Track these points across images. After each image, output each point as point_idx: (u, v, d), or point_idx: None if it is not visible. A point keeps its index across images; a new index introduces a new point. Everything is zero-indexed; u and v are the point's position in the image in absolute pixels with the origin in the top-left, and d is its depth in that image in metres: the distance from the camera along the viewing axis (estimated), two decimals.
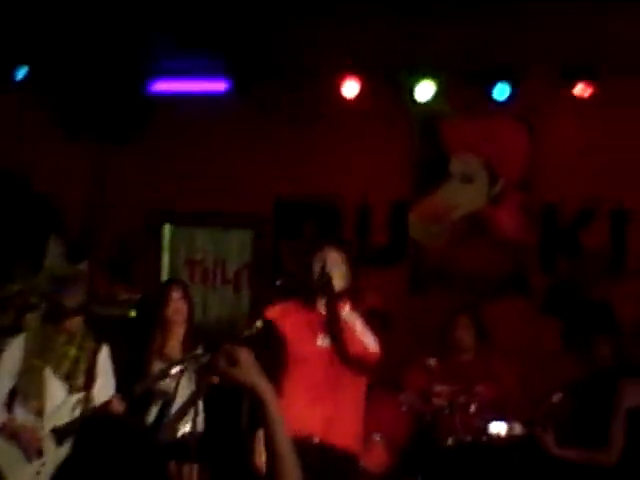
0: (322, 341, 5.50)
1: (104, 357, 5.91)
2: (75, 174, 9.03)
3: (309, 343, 5.50)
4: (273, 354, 5.41)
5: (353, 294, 5.67)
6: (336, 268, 5.51)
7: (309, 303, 5.59)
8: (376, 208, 8.79)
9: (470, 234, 8.58)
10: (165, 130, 8.98)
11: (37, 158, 8.45)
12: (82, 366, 5.79)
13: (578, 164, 8.17)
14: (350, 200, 8.79)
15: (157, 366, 6.18)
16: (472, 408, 6.83)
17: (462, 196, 8.65)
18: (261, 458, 5.12)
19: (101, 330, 6.19)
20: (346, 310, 5.41)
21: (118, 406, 5.69)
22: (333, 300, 5.39)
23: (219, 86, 8.77)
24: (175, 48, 8.23)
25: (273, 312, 5.60)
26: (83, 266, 8.70)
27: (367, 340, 5.39)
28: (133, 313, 8.14)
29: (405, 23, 7.45)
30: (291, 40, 8.07)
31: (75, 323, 5.86)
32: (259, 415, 3.26)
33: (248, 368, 3.25)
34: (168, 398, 6.06)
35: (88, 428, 5.59)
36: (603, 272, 8.17)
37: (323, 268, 5.43)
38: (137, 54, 8.40)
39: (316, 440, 5.30)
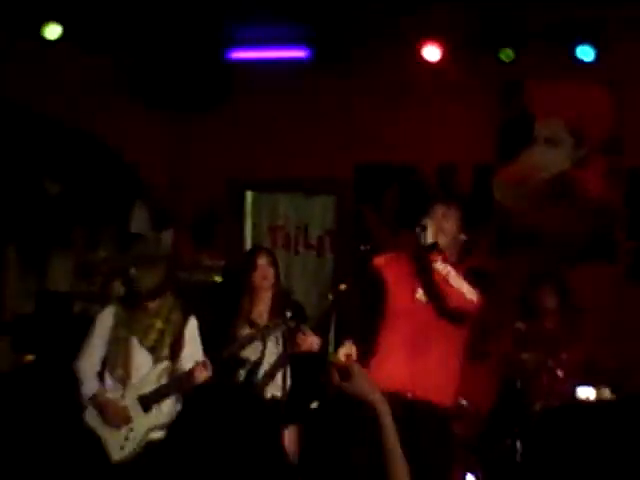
0: (421, 295, 5.46)
1: (191, 329, 5.94)
2: (158, 142, 9.11)
3: (408, 296, 5.46)
4: (375, 304, 5.43)
5: (459, 251, 5.66)
6: (446, 223, 5.55)
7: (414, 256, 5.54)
8: (460, 172, 8.73)
9: (555, 197, 8.48)
10: (246, 98, 8.96)
11: (121, 126, 8.51)
12: (168, 339, 5.84)
13: None
14: (433, 164, 8.75)
15: (244, 331, 6.21)
16: (559, 373, 6.79)
17: (547, 159, 8.55)
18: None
19: (186, 297, 6.22)
20: (438, 261, 5.31)
21: (202, 372, 5.71)
22: (425, 252, 5.35)
23: (300, 53, 8.76)
24: (256, 16, 8.23)
25: (379, 261, 5.62)
26: (168, 233, 8.81)
27: (464, 289, 5.31)
28: (218, 278, 8.20)
29: None
30: (372, 6, 8.03)
31: (158, 303, 5.89)
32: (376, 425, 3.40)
33: (361, 382, 3.42)
34: (256, 362, 6.10)
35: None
36: None
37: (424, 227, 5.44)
38: (218, 22, 8.39)
39: (409, 395, 5.27)
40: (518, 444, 6.59)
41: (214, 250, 8.81)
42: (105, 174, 8.51)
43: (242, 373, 6.15)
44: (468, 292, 5.32)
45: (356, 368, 3.53)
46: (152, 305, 5.87)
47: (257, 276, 6.39)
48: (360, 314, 5.54)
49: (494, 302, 7.58)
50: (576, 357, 6.87)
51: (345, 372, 3.55)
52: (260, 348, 6.10)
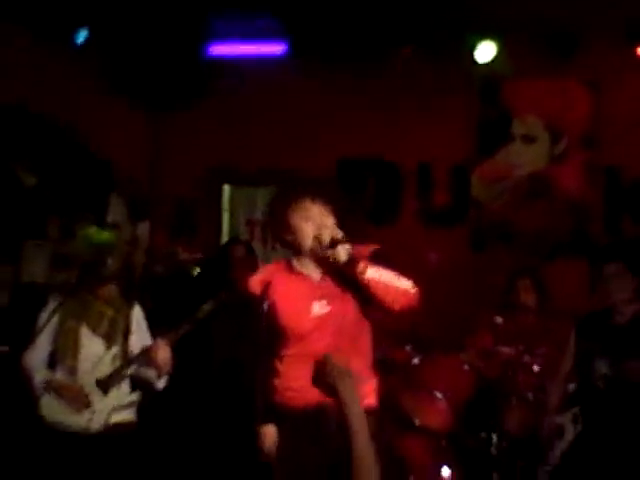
0: (319, 309, 4.79)
1: (137, 316, 5.88)
2: (137, 135, 9.10)
3: (304, 316, 4.79)
4: (264, 327, 4.77)
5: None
6: (327, 223, 4.72)
7: (294, 268, 4.87)
8: (438, 168, 8.78)
9: (532, 194, 8.54)
10: (225, 92, 8.99)
11: (100, 119, 8.48)
12: (120, 325, 5.80)
13: None
14: (412, 160, 8.78)
15: None
16: (535, 368, 6.80)
17: (524, 156, 8.61)
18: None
19: (160, 288, 6.19)
20: (362, 268, 4.59)
21: (162, 351, 5.65)
22: (351, 265, 4.61)
23: (278, 48, 8.76)
24: (234, 10, 8.22)
25: (255, 283, 4.90)
26: (144, 225, 8.77)
27: (403, 284, 4.67)
28: (195, 272, 8.17)
29: None
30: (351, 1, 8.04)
31: (111, 290, 5.84)
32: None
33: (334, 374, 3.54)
34: None
35: None
36: None
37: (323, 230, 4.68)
38: (197, 17, 8.38)
39: (331, 408, 4.42)
40: (493, 437, 6.63)
41: (191, 243, 8.78)
42: (81, 166, 8.47)
43: None
44: (407, 285, 4.69)
45: (333, 360, 3.54)
46: (102, 292, 5.79)
47: (234, 269, 6.36)
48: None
49: (474, 296, 7.75)
50: (552, 353, 6.87)
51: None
52: None
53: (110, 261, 5.77)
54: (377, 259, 4.70)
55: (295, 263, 4.85)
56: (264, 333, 4.79)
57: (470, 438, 6.76)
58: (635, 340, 5.69)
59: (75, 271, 7.75)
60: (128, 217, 8.72)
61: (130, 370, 5.73)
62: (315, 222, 4.71)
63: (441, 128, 8.55)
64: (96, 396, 5.68)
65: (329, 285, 4.79)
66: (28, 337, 6.22)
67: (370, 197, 8.89)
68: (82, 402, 5.65)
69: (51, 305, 5.84)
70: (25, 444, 6.04)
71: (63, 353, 5.73)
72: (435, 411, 6.68)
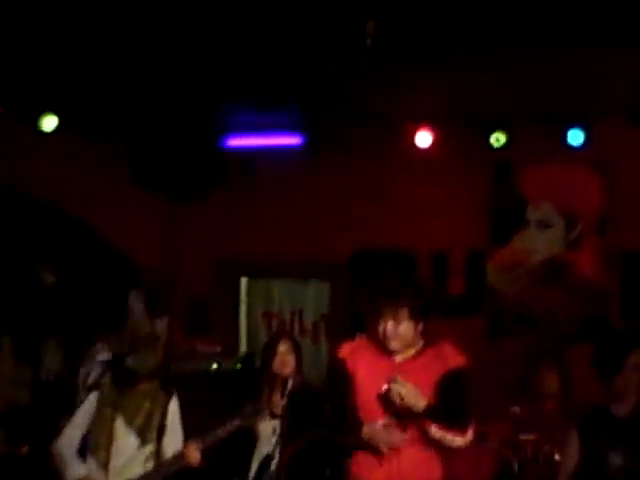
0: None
1: (173, 412, 5.79)
2: (151, 228, 9.18)
3: (378, 389, 4.92)
4: (344, 395, 4.94)
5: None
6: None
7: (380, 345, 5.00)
8: (453, 256, 8.80)
9: (548, 280, 8.53)
10: (241, 183, 9.08)
11: (114, 213, 8.57)
12: (155, 421, 5.73)
13: None
14: (426, 249, 8.80)
15: (264, 422, 6.10)
16: (557, 457, 6.72)
17: (539, 242, 8.62)
18: None
19: (183, 385, 6.15)
20: (433, 431, 4.77)
21: (193, 455, 5.60)
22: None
23: (294, 140, 8.86)
24: (250, 103, 8.32)
25: (345, 350, 5.09)
26: (163, 321, 8.79)
27: (458, 444, 4.88)
28: (214, 366, 8.16)
29: (477, 72, 7.47)
30: (364, 91, 8.12)
31: (149, 385, 5.79)
32: None
33: None
34: (269, 455, 5.98)
35: None
36: None
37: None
38: (213, 109, 8.49)
39: None
40: None
41: (207, 337, 8.79)
42: (98, 263, 8.52)
43: (254, 466, 6.06)
44: (459, 442, 4.87)
45: None
46: (143, 387, 5.75)
47: (277, 363, 6.26)
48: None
49: (492, 385, 7.69)
50: None
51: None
52: (273, 440, 5.95)
53: (149, 357, 5.75)
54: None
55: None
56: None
57: None
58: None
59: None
60: (147, 313, 8.75)
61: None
62: None
63: (455, 216, 8.58)
64: None
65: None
66: (49, 435, 6.23)
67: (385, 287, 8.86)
68: None
69: (92, 397, 5.81)
70: None
71: (96, 443, 5.64)
72: None
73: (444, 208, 8.63)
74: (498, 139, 8.36)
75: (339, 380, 5.00)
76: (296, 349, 6.37)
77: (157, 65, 7.52)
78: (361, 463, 4.93)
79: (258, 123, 8.78)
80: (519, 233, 8.69)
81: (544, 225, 8.63)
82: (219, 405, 6.40)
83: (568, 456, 5.93)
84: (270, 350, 6.33)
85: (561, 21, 6.55)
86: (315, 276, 9.17)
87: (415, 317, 4.85)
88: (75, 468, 5.63)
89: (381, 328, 4.85)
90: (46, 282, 8.18)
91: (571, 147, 8.27)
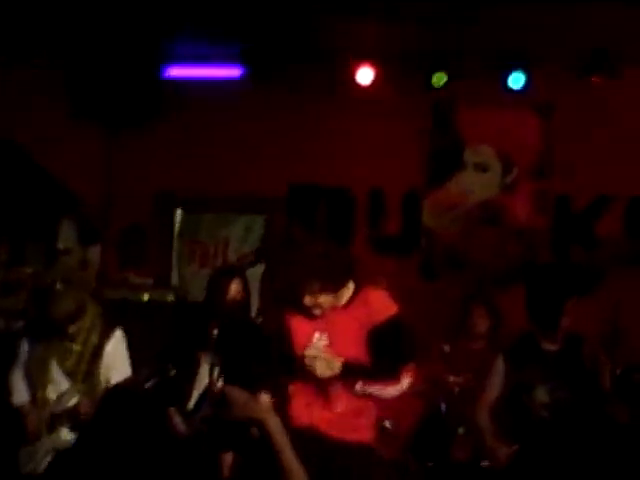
0: (319, 340, 4.89)
1: (113, 346, 5.74)
2: (88, 157, 9.04)
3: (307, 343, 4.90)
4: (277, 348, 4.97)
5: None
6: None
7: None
8: (389, 196, 8.81)
9: (483, 222, 8.60)
10: (179, 115, 8.96)
11: (51, 140, 8.45)
12: (84, 362, 5.70)
13: (593, 153, 8.15)
14: (364, 187, 8.81)
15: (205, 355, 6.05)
16: None
17: (476, 185, 8.68)
18: None
19: (113, 314, 6.09)
20: (358, 388, 4.75)
21: (87, 407, 5.57)
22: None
23: (234, 72, 8.77)
24: (191, 34, 8.22)
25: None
26: (95, 249, 8.71)
27: (392, 394, 4.83)
28: (146, 297, 8.13)
29: (421, 10, 7.44)
30: (307, 26, 8.05)
31: (74, 328, 5.66)
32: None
33: (241, 405, 3.51)
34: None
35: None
36: (617, 261, 8.15)
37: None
38: (154, 39, 8.37)
39: (328, 436, 4.83)
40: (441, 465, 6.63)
41: (142, 268, 8.75)
42: (32, 188, 8.41)
43: (195, 396, 6.05)
44: (393, 391, 4.82)
45: (234, 392, 3.54)
46: (70, 330, 5.66)
47: (228, 300, 6.13)
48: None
49: (424, 325, 7.75)
50: None
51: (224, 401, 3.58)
52: (215, 372, 5.88)
53: (68, 299, 5.65)
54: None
55: None
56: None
57: (417, 466, 6.76)
58: (569, 366, 5.74)
59: (24, 297, 7.75)
60: (79, 241, 8.66)
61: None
62: None
63: (394, 156, 8.57)
64: (45, 431, 5.61)
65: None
66: None
67: (321, 223, 8.88)
68: (35, 435, 5.60)
69: (27, 339, 5.77)
70: None
71: (34, 383, 5.68)
72: (383, 440, 6.65)
73: (383, 147, 8.61)
74: (439, 79, 8.35)
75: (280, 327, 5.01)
76: (245, 286, 6.28)
77: None
78: (297, 399, 4.92)
79: (198, 54, 8.67)
80: (456, 175, 8.73)
81: (481, 168, 8.67)
82: (152, 337, 6.37)
83: (491, 385, 5.98)
84: (220, 288, 6.26)
85: None
86: (250, 210, 9.13)
87: (328, 289, 4.76)
88: (18, 396, 5.71)
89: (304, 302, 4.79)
90: None
91: (511, 91, 8.28)
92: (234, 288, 6.16)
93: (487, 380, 6.06)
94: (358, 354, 4.76)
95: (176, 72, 8.86)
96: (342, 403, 4.83)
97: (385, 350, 4.71)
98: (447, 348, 7.11)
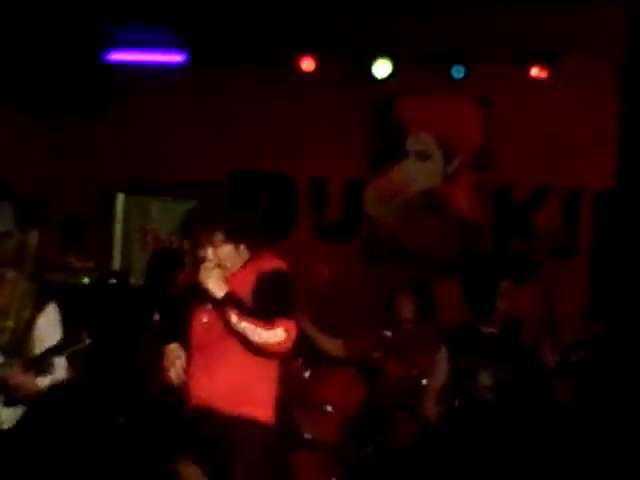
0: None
1: (45, 319, 5.68)
2: (29, 142, 8.94)
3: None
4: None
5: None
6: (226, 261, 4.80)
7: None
8: (331, 183, 8.85)
9: (424, 211, 8.67)
10: (122, 100, 8.93)
11: None
12: (18, 336, 5.65)
13: (533, 145, 8.26)
14: (306, 174, 8.84)
15: None
16: (424, 382, 6.85)
17: (417, 173, 8.73)
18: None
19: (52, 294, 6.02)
20: (233, 320, 4.67)
21: (17, 376, 5.54)
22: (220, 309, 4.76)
23: (177, 57, 8.75)
24: (134, 18, 8.18)
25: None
26: (33, 233, 8.60)
27: (266, 339, 4.67)
28: (86, 280, 8.08)
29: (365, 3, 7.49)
30: (249, 14, 8.06)
31: (7, 296, 5.68)
32: None
33: None
34: None
35: None
36: (555, 253, 8.27)
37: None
38: (96, 23, 8.32)
39: (217, 410, 4.80)
40: (381, 451, 6.67)
41: (81, 252, 8.68)
42: None
43: None
44: (269, 339, 4.67)
45: None
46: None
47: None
48: None
49: (362, 310, 7.81)
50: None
51: None
52: None
53: None
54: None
55: None
56: None
57: (358, 451, 6.79)
58: (510, 348, 5.83)
59: None
60: (16, 225, 8.55)
61: None
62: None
63: (336, 143, 8.61)
64: None
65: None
66: None
67: (263, 210, 8.89)
68: None
69: None
70: None
71: None
72: (325, 424, 6.70)
73: (325, 135, 8.65)
74: (380, 69, 8.40)
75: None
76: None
77: None
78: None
79: (142, 39, 8.64)
80: (398, 163, 8.78)
81: (423, 156, 8.73)
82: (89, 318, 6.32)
83: (436, 374, 6.08)
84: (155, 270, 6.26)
85: None
86: (192, 195, 9.07)
87: (231, 239, 4.80)
88: None
89: (201, 255, 4.78)
90: None
91: (453, 80, 8.36)
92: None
93: (432, 369, 6.15)
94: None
95: (120, 57, 8.82)
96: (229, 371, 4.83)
97: (265, 297, 4.71)
98: (389, 334, 7.14)
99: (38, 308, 5.63)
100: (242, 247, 4.84)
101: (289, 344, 4.71)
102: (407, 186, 8.75)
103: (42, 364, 5.44)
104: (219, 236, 4.77)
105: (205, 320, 4.83)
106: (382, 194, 8.79)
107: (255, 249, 4.87)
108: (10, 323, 5.59)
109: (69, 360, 5.47)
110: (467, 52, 8.28)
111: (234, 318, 4.64)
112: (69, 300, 5.96)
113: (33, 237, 8.55)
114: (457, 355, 5.96)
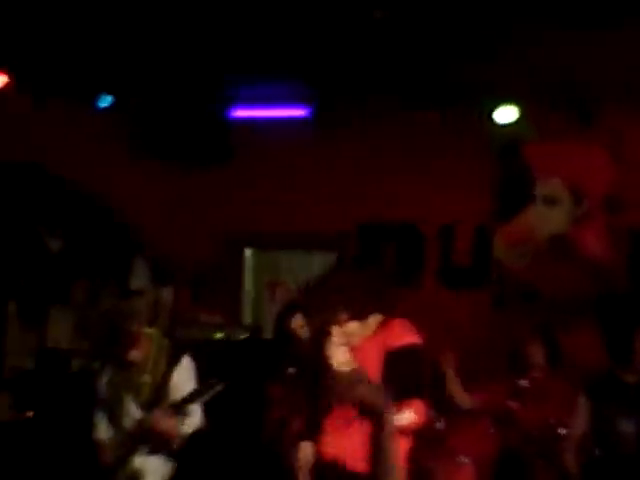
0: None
1: (181, 372, 5.77)
2: (157, 198, 9.12)
3: None
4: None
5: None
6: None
7: None
8: (459, 230, 8.79)
9: (555, 256, 8.52)
10: (247, 155, 9.05)
11: (122, 182, 8.56)
12: (157, 389, 5.75)
13: None
14: (433, 223, 8.81)
15: None
16: (560, 431, 6.73)
17: (546, 218, 8.61)
18: None
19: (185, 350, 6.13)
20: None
21: (162, 421, 5.61)
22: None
23: (300, 112, 8.84)
24: (257, 75, 8.29)
25: None
26: (168, 289, 8.79)
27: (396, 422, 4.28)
28: (218, 335, 8.18)
29: (487, 48, 7.45)
30: (373, 67, 8.10)
31: (139, 355, 5.76)
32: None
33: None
34: None
35: None
36: None
37: None
38: (219, 80, 8.46)
39: (350, 467, 4.64)
40: None
41: (212, 307, 8.80)
42: (105, 230, 8.54)
43: None
44: (404, 420, 4.47)
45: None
46: (135, 359, 5.73)
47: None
48: None
49: (495, 358, 7.71)
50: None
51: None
52: None
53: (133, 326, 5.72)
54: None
55: None
56: None
57: None
58: None
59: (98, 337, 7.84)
60: (152, 281, 8.76)
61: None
62: None
63: (463, 190, 8.58)
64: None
65: None
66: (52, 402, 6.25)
67: (391, 260, 8.88)
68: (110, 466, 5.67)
69: (104, 377, 5.85)
70: None
71: (112, 417, 5.76)
72: (460, 476, 6.64)
73: (451, 182, 8.61)
74: (504, 114, 8.34)
75: None
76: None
77: (163, 35, 7.48)
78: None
79: (265, 95, 8.75)
80: (526, 209, 8.68)
81: (551, 201, 8.61)
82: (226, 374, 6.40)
83: (576, 423, 5.98)
84: (283, 324, 6.34)
85: None
86: (321, 247, 9.18)
87: (356, 318, 4.69)
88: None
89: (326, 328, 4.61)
90: (52, 248, 8.18)
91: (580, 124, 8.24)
92: (294, 322, 6.26)
93: (572, 419, 6.05)
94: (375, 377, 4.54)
95: (243, 113, 8.96)
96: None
97: (394, 376, 4.48)
98: (524, 383, 7.04)
99: (173, 362, 5.77)
100: (370, 318, 4.73)
101: (418, 426, 4.58)
102: (536, 231, 8.63)
103: (184, 409, 5.59)
104: (343, 315, 4.66)
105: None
106: (510, 239, 8.69)
107: (385, 313, 4.74)
108: (147, 378, 5.73)
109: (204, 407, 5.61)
110: (594, 96, 8.14)
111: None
112: (202, 355, 6.11)
113: (168, 294, 8.81)
114: (598, 404, 5.86)
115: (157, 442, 5.64)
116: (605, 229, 8.41)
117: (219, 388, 5.71)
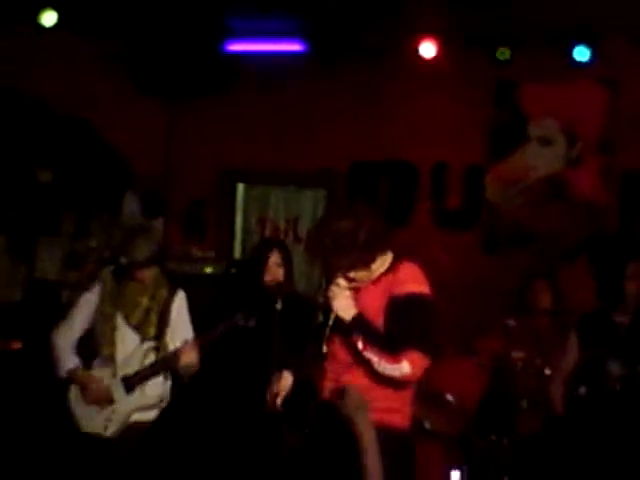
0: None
1: (179, 306, 5.76)
2: (150, 131, 9.08)
3: None
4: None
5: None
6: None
7: None
8: (451, 169, 8.74)
9: (547, 196, 8.50)
10: (242, 90, 8.99)
11: (115, 115, 8.50)
12: (153, 317, 5.69)
13: None
14: (426, 161, 8.75)
15: None
16: (547, 372, 6.77)
17: (540, 159, 8.56)
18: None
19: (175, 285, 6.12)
20: (359, 346, 4.43)
21: (188, 354, 5.57)
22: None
23: (297, 47, 8.75)
24: (254, 8, 8.21)
25: None
26: (158, 222, 8.78)
27: (390, 373, 4.38)
28: (208, 270, 8.17)
29: None
30: (369, 2, 8.01)
31: (147, 275, 5.65)
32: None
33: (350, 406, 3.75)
34: None
35: None
36: None
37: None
38: (216, 13, 8.38)
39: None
40: (504, 440, 6.60)
41: (204, 241, 8.80)
42: (96, 162, 8.49)
43: None
44: (394, 372, 4.40)
45: (350, 393, 3.55)
46: (140, 278, 5.65)
47: (266, 276, 6.10)
48: None
49: (486, 299, 7.73)
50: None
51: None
52: None
53: (144, 245, 5.60)
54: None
55: None
56: None
57: (481, 441, 6.73)
58: None
59: (89, 270, 7.84)
60: (142, 214, 8.75)
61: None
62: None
63: (456, 130, 8.52)
64: (120, 393, 5.59)
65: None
66: (41, 333, 6.25)
67: (383, 198, 8.84)
68: (104, 397, 5.58)
69: (93, 290, 5.75)
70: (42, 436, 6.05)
71: (101, 340, 5.65)
72: (446, 414, 6.66)
73: (445, 121, 8.56)
74: (503, 53, 8.27)
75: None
76: (286, 261, 6.18)
77: None
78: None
79: (261, 29, 8.66)
80: (519, 149, 8.63)
81: (545, 141, 8.56)
82: (214, 307, 6.39)
83: (566, 361, 5.99)
84: (260, 260, 6.20)
85: None
86: (312, 185, 9.15)
87: (360, 265, 4.53)
88: (66, 361, 5.66)
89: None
90: (42, 180, 8.14)
91: (577, 64, 8.17)
92: (272, 260, 6.15)
93: (562, 355, 6.06)
94: (376, 323, 4.51)
95: (239, 47, 8.87)
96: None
97: (396, 325, 4.40)
98: (512, 323, 7.07)
99: (173, 291, 5.76)
100: (374, 263, 4.55)
101: (414, 378, 4.47)
102: (529, 171, 8.57)
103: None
104: (345, 262, 4.48)
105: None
106: (503, 180, 8.64)
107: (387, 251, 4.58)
108: (145, 300, 5.70)
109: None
110: (591, 33, 8.05)
111: (359, 344, 4.41)
112: (194, 289, 6.11)
113: (158, 226, 8.79)
114: (587, 343, 5.87)
115: (177, 371, 5.65)
116: (598, 169, 8.38)
117: (252, 323, 5.70)
